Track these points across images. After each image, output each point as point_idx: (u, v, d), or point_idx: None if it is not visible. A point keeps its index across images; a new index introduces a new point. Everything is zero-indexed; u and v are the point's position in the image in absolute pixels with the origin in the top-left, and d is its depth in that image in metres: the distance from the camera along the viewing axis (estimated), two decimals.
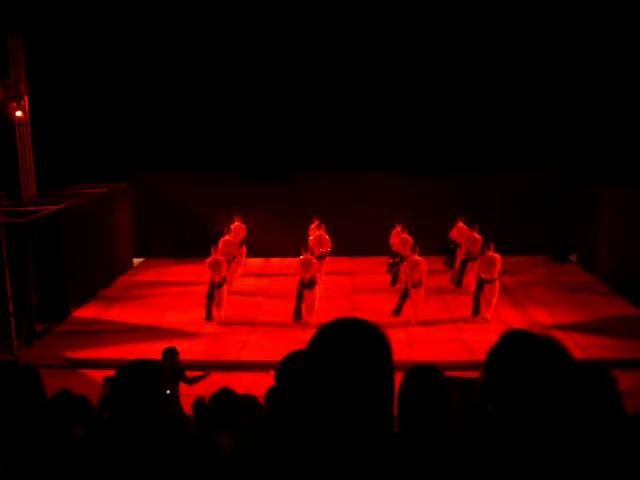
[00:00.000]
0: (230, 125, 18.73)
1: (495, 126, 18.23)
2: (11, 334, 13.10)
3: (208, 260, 14.65)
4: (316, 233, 17.13)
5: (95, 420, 5.72)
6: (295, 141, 18.80)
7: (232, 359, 12.54)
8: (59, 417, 4.88)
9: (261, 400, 4.78)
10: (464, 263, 16.52)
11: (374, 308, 14.60)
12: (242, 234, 18.08)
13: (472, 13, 17.66)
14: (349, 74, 18.43)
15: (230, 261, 16.23)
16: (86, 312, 15.48)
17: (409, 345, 12.73)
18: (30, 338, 13.55)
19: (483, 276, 14.28)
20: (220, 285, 14.54)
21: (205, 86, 18.60)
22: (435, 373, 3.07)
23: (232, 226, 17.63)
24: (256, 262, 19.36)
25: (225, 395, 5.18)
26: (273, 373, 3.65)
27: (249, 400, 5.65)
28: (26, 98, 16.75)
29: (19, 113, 16.64)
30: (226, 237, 16.77)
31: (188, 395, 8.62)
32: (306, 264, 14.35)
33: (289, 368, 3.29)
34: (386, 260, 17.58)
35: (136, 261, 20.08)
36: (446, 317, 14.57)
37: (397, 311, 14.28)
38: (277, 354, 4.10)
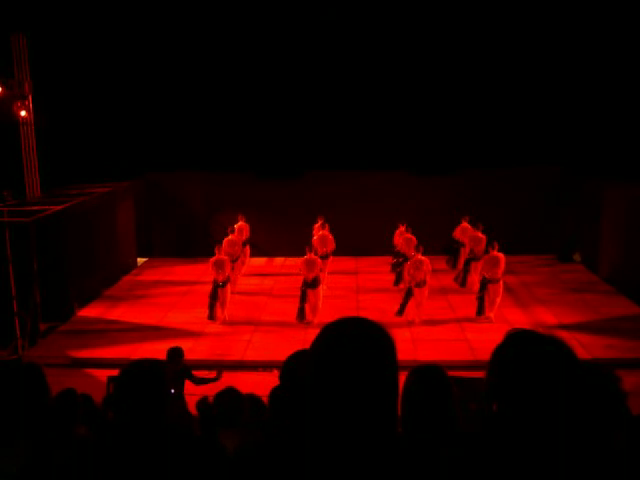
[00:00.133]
0: (235, 124, 18.74)
1: (499, 126, 18.21)
2: (15, 333, 13.13)
3: (212, 260, 14.67)
4: (320, 232, 17.13)
5: (99, 419, 5.72)
6: (300, 140, 18.79)
7: (236, 359, 12.54)
8: (63, 416, 4.88)
9: (265, 400, 4.78)
10: (468, 263, 16.51)
11: (378, 308, 14.60)
12: (246, 234, 18.09)
13: (477, 12, 17.64)
14: (354, 74, 18.42)
15: (234, 261, 16.23)
16: (90, 311, 15.50)
17: (413, 345, 12.72)
18: (34, 337, 13.58)
19: (487, 276, 14.26)
20: (224, 285, 14.55)
21: (212, 85, 18.61)
22: (439, 373, 3.07)
23: (236, 226, 17.65)
24: (259, 262, 19.38)
25: (229, 394, 5.18)
26: (277, 373, 3.65)
27: (253, 400, 5.65)
28: (30, 97, 16.81)
29: (23, 112, 16.68)
30: (230, 237, 16.78)
31: (193, 395, 8.62)
32: (310, 263, 14.36)
33: (293, 368, 3.29)
34: (390, 260, 17.57)
35: (140, 260, 20.11)
36: (450, 317, 14.56)
37: (401, 311, 14.27)
38: (281, 354, 4.10)
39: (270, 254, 19.82)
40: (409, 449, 1.85)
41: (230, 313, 14.71)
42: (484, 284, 14.34)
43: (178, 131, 18.82)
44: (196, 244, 19.41)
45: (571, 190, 18.85)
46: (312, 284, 14.28)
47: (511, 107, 18.08)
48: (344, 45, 18.19)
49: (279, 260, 19.64)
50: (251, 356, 12.67)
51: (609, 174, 16.80)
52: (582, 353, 11.23)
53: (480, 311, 14.30)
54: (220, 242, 15.79)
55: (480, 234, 16.18)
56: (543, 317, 14.32)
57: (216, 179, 19.46)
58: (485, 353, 2.12)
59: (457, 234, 17.56)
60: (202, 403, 6.51)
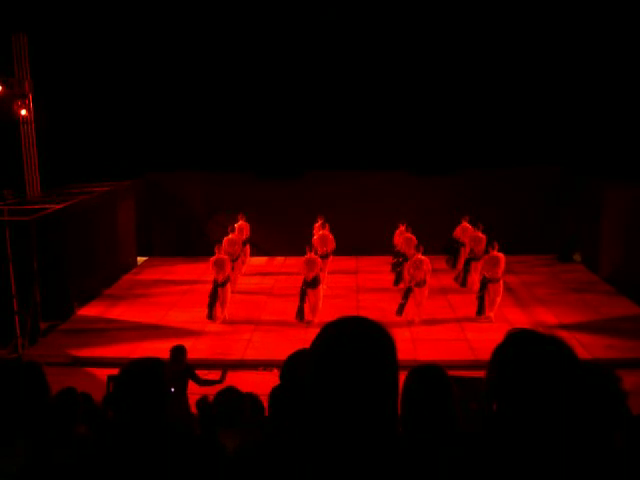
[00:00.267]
0: (235, 124, 18.74)
1: (499, 126, 18.21)
2: (15, 332, 13.13)
3: (212, 259, 14.67)
4: (320, 232, 17.13)
5: (99, 418, 5.72)
6: (300, 140, 18.79)
7: (236, 358, 12.55)
8: (63, 415, 4.88)
9: (265, 399, 4.78)
10: (468, 262, 16.50)
11: (378, 307, 14.60)
12: (246, 233, 18.09)
13: (477, 13, 17.64)
14: (354, 74, 18.42)
15: (234, 260, 16.23)
16: (90, 310, 15.51)
17: (413, 344, 12.73)
18: (34, 336, 13.58)
19: (487, 275, 14.26)
20: (224, 284, 14.55)
21: (212, 85, 18.61)
22: (439, 373, 3.07)
23: (236, 225, 17.66)
24: (260, 261, 19.38)
25: (229, 394, 5.18)
26: (277, 372, 3.65)
27: (251, 399, 5.65)
28: (30, 96, 16.81)
29: (24, 111, 16.69)
30: (230, 236, 16.78)
31: (193, 394, 8.63)
32: (310, 263, 14.35)
33: (293, 367, 3.29)
34: (390, 259, 17.57)
35: (140, 260, 20.11)
36: (450, 316, 14.56)
37: (400, 311, 14.26)
38: (281, 353, 4.10)
39: (270, 253, 19.83)
40: (409, 449, 1.85)
41: (230, 312, 14.72)
42: (484, 284, 14.34)
43: (178, 131, 18.83)
44: (196, 243, 19.41)
45: (571, 190, 18.85)
46: (312, 284, 14.28)
47: (511, 107, 18.08)
48: (344, 45, 18.20)
49: (279, 259, 19.64)
50: (251, 355, 12.67)
51: (609, 174, 16.79)
52: (582, 353, 11.23)
53: (480, 311, 14.30)
54: (220, 241, 15.79)
55: (480, 234, 16.19)
56: (543, 317, 14.32)
57: (216, 179, 19.46)
58: (485, 353, 2.12)
59: (457, 234, 17.56)
60: (202, 402, 6.51)
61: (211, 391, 6.29)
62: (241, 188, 19.32)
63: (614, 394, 2.54)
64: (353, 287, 16.86)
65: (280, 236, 19.33)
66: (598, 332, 13.24)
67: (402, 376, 2.07)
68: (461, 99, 18.31)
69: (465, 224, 17.34)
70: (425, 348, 12.59)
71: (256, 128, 18.82)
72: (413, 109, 18.47)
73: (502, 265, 14.15)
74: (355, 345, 1.77)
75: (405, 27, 18.07)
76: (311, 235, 17.23)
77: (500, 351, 2.03)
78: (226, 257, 14.91)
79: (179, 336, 12.89)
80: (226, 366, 10.19)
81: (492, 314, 14.17)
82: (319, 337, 1.84)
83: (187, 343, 11.06)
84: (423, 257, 14.20)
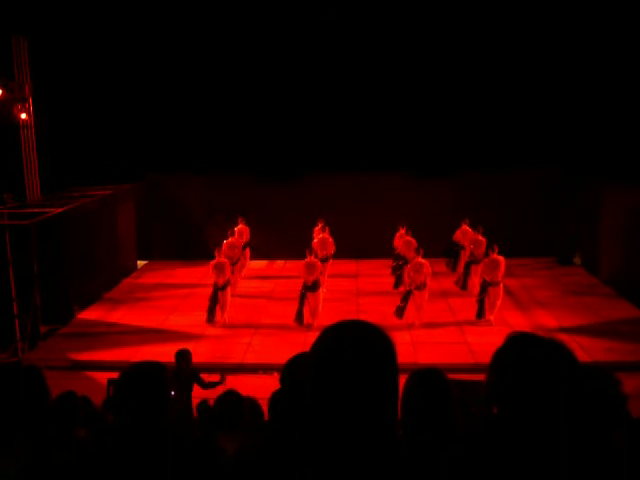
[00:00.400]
0: (235, 126, 18.75)
1: (499, 128, 18.21)
2: (15, 336, 13.13)
3: (212, 263, 14.66)
4: (320, 235, 17.12)
5: (99, 422, 5.72)
6: (300, 142, 18.79)
7: (236, 361, 12.54)
8: (63, 419, 4.88)
9: (264, 403, 4.78)
10: (468, 266, 16.48)
11: (378, 311, 14.59)
12: (246, 236, 18.08)
13: (477, 15, 17.66)
14: (354, 76, 18.44)
15: (234, 263, 16.22)
16: (90, 314, 15.50)
17: (413, 347, 12.72)
18: (34, 340, 13.58)
19: (487, 279, 14.26)
20: (224, 287, 14.55)
21: (212, 87, 18.62)
22: (439, 376, 3.07)
23: (236, 228, 17.65)
24: (260, 264, 19.37)
25: (230, 397, 5.18)
26: (277, 375, 3.65)
27: (250, 403, 5.65)
28: (30, 100, 16.81)
29: (23, 115, 16.69)
30: (230, 239, 16.77)
31: (194, 397, 8.63)
32: (310, 266, 14.35)
33: (293, 371, 3.29)
34: (390, 263, 17.57)
35: (140, 263, 20.11)
36: (450, 320, 14.55)
37: (400, 313, 14.23)
38: (281, 356, 4.10)
39: (270, 257, 19.82)
40: (409, 452, 1.85)
41: (230, 316, 14.71)
42: (484, 287, 14.34)
43: (178, 133, 18.83)
44: (196, 247, 19.40)
45: (571, 192, 18.85)
46: (312, 287, 14.27)
47: (511, 109, 18.09)
48: (344, 47, 18.21)
49: (279, 263, 19.64)
50: (251, 359, 12.66)
51: (609, 176, 16.80)
52: (582, 356, 11.22)
53: (480, 314, 14.29)
54: (220, 245, 15.79)
55: (480, 237, 16.18)
56: (543, 320, 14.31)
57: (217, 182, 19.47)
58: (485, 356, 2.12)
59: (457, 237, 17.56)
60: (202, 406, 6.51)
61: (212, 394, 6.29)
62: (241, 191, 19.32)
63: (614, 397, 2.54)
64: (353, 290, 16.85)
65: (280, 239, 19.32)
66: (598, 335, 13.23)
67: (402, 379, 2.07)
68: (461, 101, 18.32)
69: (465, 227, 17.34)
70: (425, 351, 12.58)
71: (256, 130, 18.83)
72: (413, 111, 18.48)
73: (502, 268, 14.15)
74: (355, 349, 1.77)
75: (405, 29, 18.08)
76: (311, 238, 17.23)
77: (500, 354, 2.03)
78: (226, 261, 14.91)
79: (179, 340, 12.86)
80: (223, 369, 10.17)
81: (492, 317, 14.17)
82: (319, 341, 1.84)
83: (187, 347, 11.06)
84: (423, 260, 14.20)
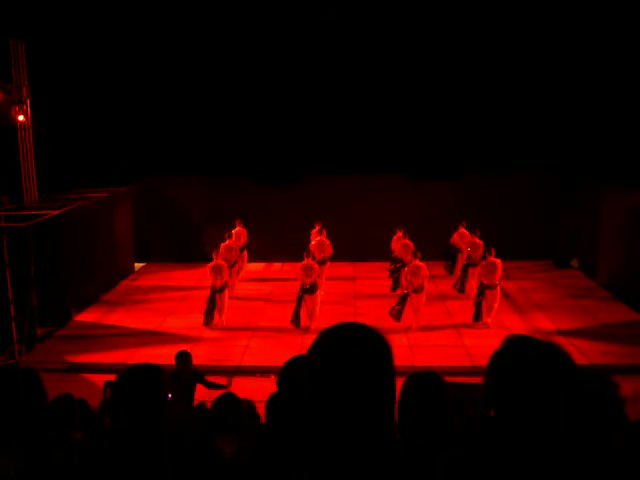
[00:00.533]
0: (233, 129, 18.75)
1: (497, 131, 18.23)
2: (12, 338, 13.10)
3: (210, 265, 14.65)
4: (317, 238, 17.11)
5: (96, 424, 5.71)
6: (298, 145, 18.80)
7: (233, 364, 12.53)
8: (60, 421, 4.87)
9: (262, 405, 4.78)
10: (465, 269, 16.49)
11: (375, 314, 14.59)
12: (244, 239, 18.07)
13: (477, 18, 17.68)
14: (353, 78, 18.45)
15: (231, 266, 16.20)
16: (87, 316, 15.48)
17: (410, 350, 12.72)
18: (31, 342, 13.55)
19: (484, 282, 14.27)
20: (222, 290, 14.54)
21: (210, 89, 18.61)
22: (436, 379, 3.07)
23: (233, 231, 17.63)
24: (257, 267, 19.37)
25: (227, 400, 5.18)
26: (274, 378, 3.65)
27: (247, 405, 5.64)
28: (28, 102, 16.79)
29: (21, 117, 16.67)
30: (227, 242, 16.76)
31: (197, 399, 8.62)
32: (307, 269, 14.34)
33: (290, 373, 3.29)
34: (387, 265, 17.57)
35: (138, 265, 20.09)
36: (447, 323, 14.55)
37: (397, 316, 14.23)
38: (278, 359, 4.11)
39: (268, 259, 19.82)
40: (406, 455, 1.85)
41: (228, 318, 14.70)
42: (481, 290, 14.35)
43: (176, 136, 18.82)
44: (194, 249, 19.40)
45: (569, 195, 18.86)
46: (310, 290, 14.27)
47: (509, 111, 18.10)
48: (343, 50, 18.22)
49: (277, 265, 19.64)
50: (248, 361, 12.65)
51: (607, 179, 16.82)
52: (579, 359, 11.23)
53: (477, 317, 14.29)
54: (217, 247, 15.77)
55: (477, 240, 16.19)
56: (540, 323, 14.32)
57: (214, 184, 19.47)
58: (483, 359, 2.12)
59: (455, 240, 17.57)
60: (200, 408, 6.50)
61: (209, 396, 6.28)
62: (239, 193, 19.33)
63: (611, 400, 2.55)
64: (351, 293, 16.85)
65: (278, 242, 19.32)
66: (595, 338, 13.24)
67: (399, 382, 2.07)
68: (459, 104, 18.33)
69: (462, 230, 17.35)
70: (422, 354, 12.58)
71: (253, 133, 18.83)
72: (411, 114, 18.49)
73: (499, 271, 14.16)
74: (352, 351, 1.77)
75: (405, 32, 18.09)
76: (309, 241, 17.22)
77: (497, 357, 2.03)
78: (223, 263, 14.90)
79: (176, 342, 12.84)
80: (220, 372, 10.18)
81: (489, 320, 14.17)
82: (316, 343, 1.84)
83: (184, 349, 11.06)
84: (420, 263, 14.20)
